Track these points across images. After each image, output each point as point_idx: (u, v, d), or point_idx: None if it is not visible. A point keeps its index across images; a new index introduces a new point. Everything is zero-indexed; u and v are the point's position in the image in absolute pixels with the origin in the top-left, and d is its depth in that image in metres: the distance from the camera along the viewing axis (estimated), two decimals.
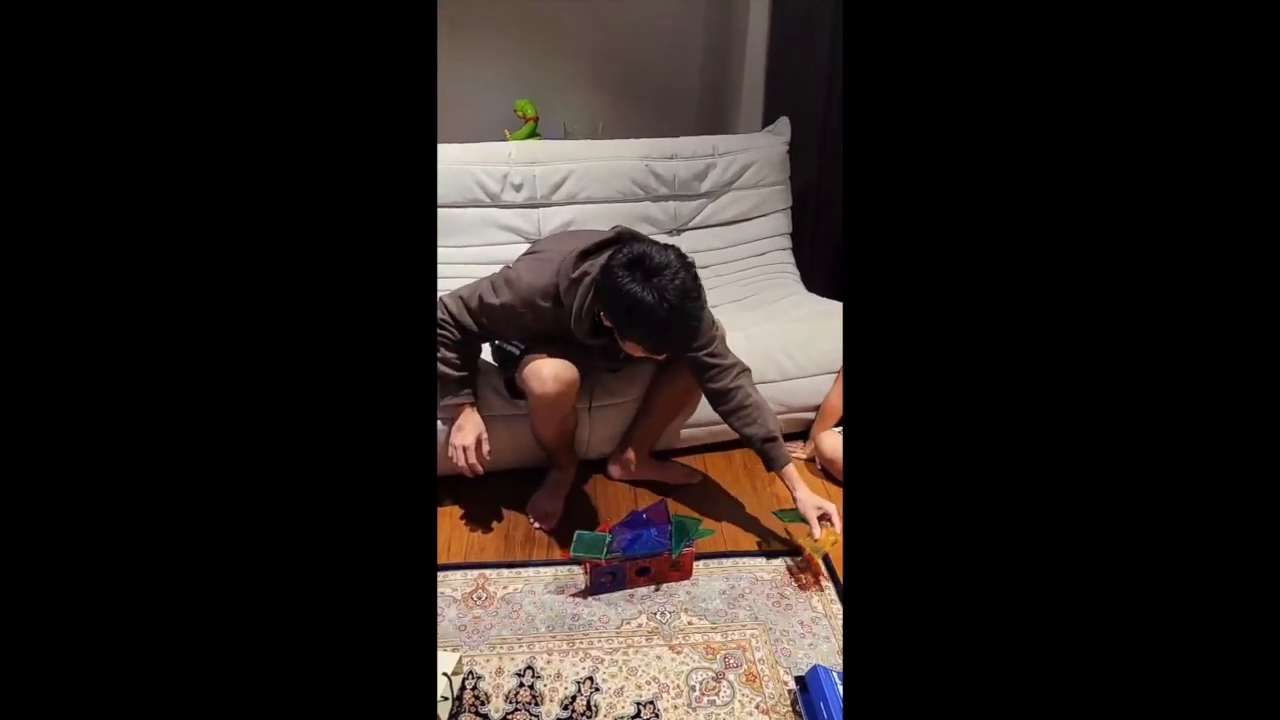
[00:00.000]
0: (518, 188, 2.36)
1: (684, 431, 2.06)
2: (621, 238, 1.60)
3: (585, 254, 1.57)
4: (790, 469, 1.69)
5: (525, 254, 1.75)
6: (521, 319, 1.63)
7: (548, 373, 1.64)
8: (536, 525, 1.84)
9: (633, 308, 1.42)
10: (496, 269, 1.97)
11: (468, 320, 1.65)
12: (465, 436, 1.69)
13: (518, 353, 1.75)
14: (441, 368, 1.68)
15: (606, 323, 1.54)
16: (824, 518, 1.65)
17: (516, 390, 1.79)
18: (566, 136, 3.07)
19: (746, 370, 1.71)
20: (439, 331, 1.65)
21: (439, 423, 1.76)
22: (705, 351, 1.66)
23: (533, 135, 3.03)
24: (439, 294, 1.68)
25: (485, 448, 1.70)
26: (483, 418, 1.85)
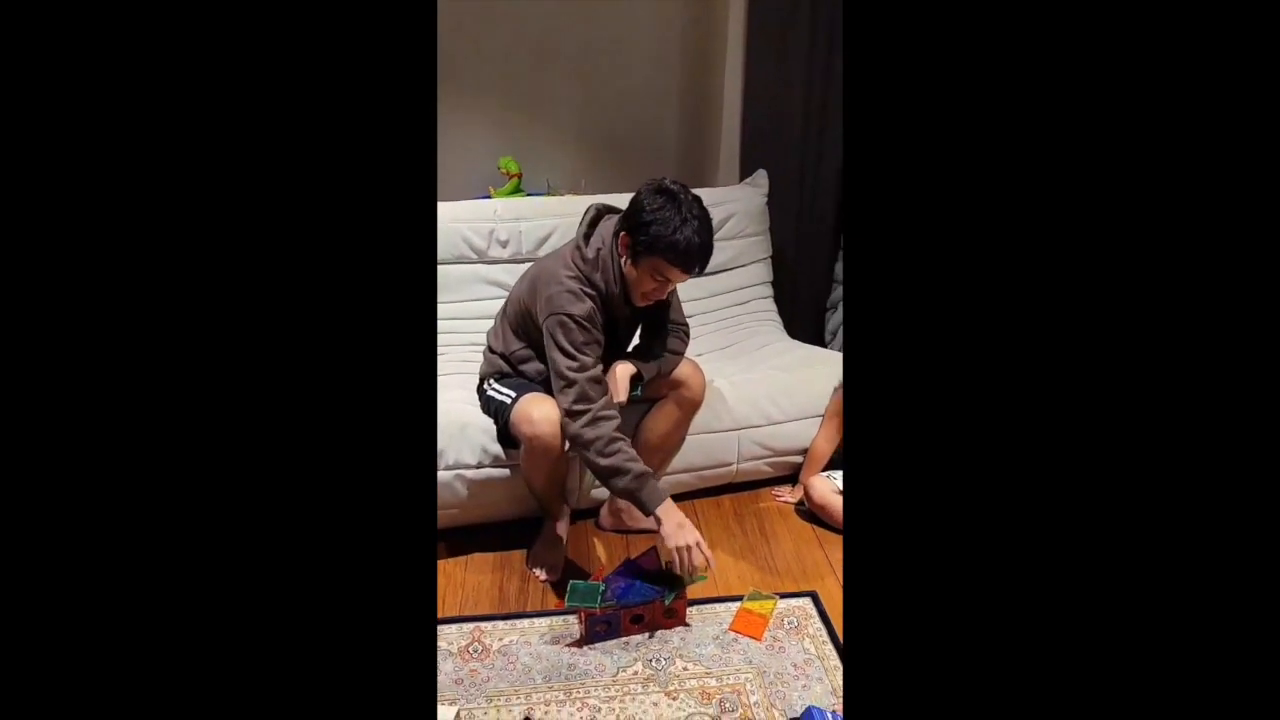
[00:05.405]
0: (504, 243, 2.42)
1: (673, 478, 2.09)
2: (600, 211, 1.79)
3: (586, 237, 1.74)
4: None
5: (535, 298, 1.74)
6: (596, 333, 1.69)
7: (537, 415, 1.68)
8: (542, 577, 1.85)
9: (668, 222, 1.58)
10: (486, 323, 2.03)
11: (597, 371, 1.66)
12: (693, 531, 1.62)
13: (509, 400, 1.79)
14: (623, 462, 1.62)
15: (632, 270, 1.66)
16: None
17: (509, 439, 1.82)
18: (550, 192, 3.15)
19: (686, 328, 1.93)
20: (601, 423, 1.62)
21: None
22: (668, 310, 1.89)
23: (516, 192, 3.11)
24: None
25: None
26: (471, 471, 1.88)
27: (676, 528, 1.61)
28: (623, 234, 1.66)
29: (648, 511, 1.63)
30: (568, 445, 1.70)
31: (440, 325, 2.35)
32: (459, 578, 1.86)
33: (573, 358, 1.64)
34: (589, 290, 1.69)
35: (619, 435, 1.64)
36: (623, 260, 1.68)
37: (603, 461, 1.62)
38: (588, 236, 1.74)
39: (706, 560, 1.61)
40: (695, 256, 1.62)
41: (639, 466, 1.63)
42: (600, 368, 1.69)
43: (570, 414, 1.64)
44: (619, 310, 1.75)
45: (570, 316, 1.65)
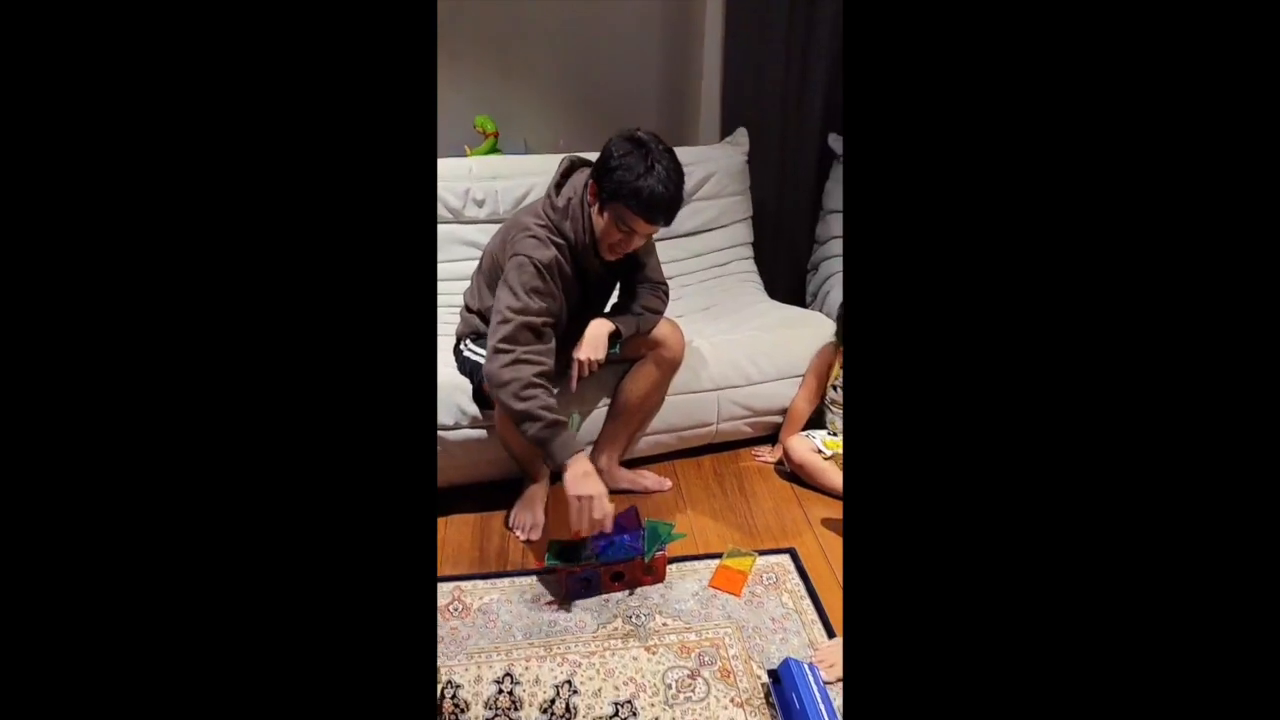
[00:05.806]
0: (480, 203, 2.38)
1: (653, 438, 2.09)
2: (574, 163, 1.75)
3: (557, 187, 1.71)
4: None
5: (505, 250, 1.70)
6: (554, 286, 1.65)
7: None
8: (522, 537, 1.85)
9: (632, 169, 1.55)
10: (462, 284, 2.00)
11: (537, 321, 1.60)
12: (598, 484, 1.56)
13: (484, 361, 1.77)
14: (535, 409, 1.54)
15: (600, 218, 1.63)
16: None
17: (485, 400, 1.80)
18: (527, 151, 3.10)
19: (665, 288, 1.91)
20: (520, 366, 1.56)
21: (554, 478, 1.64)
22: (646, 269, 1.88)
23: (493, 151, 3.05)
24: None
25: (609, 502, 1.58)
26: (448, 432, 1.86)
27: (582, 476, 1.56)
28: (591, 182, 1.63)
29: (557, 463, 1.57)
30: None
31: None
32: (439, 537, 1.85)
33: (516, 297, 1.59)
34: (557, 239, 1.66)
35: (539, 382, 1.57)
36: (592, 209, 1.65)
37: (516, 405, 1.55)
38: (559, 187, 1.71)
39: (605, 516, 1.55)
40: (659, 206, 1.57)
41: (553, 416, 1.56)
42: (544, 319, 1.61)
43: (494, 351, 1.58)
44: (589, 261, 1.72)
45: (530, 259, 1.61)
